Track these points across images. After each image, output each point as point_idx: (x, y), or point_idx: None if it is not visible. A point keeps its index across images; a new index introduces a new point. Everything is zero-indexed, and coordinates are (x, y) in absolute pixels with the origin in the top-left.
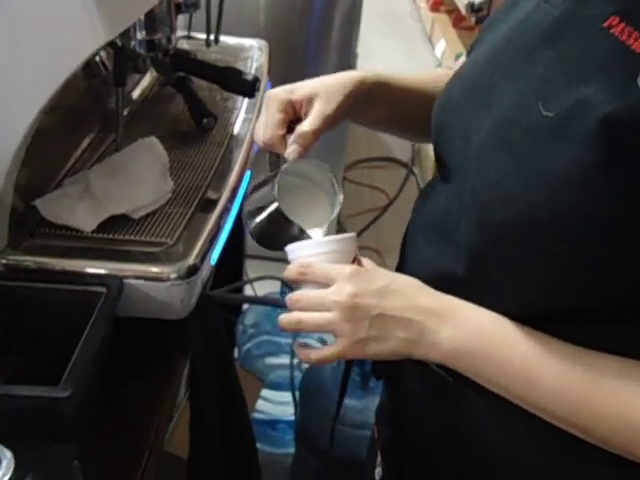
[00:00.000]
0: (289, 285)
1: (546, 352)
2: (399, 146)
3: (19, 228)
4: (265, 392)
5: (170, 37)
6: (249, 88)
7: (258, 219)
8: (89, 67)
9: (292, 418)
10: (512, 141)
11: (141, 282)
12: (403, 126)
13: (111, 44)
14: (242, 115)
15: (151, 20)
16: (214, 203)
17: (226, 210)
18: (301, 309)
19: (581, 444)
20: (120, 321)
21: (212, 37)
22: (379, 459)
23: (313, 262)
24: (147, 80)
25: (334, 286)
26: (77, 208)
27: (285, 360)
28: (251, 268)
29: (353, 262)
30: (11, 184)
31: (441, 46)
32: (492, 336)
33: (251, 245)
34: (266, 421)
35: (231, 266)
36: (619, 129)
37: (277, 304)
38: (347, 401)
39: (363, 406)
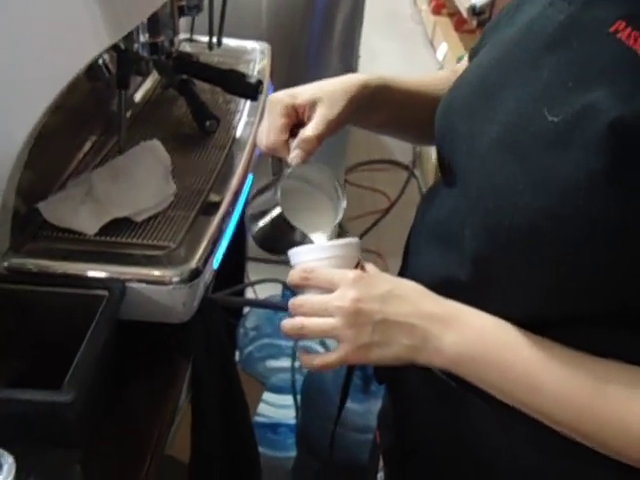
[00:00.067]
0: (291, 288)
1: (549, 357)
2: (400, 149)
3: (21, 231)
4: (266, 395)
5: (173, 40)
6: (252, 91)
7: (261, 223)
8: (92, 70)
9: (293, 422)
10: (517, 146)
11: (143, 285)
12: (405, 129)
13: (114, 47)
14: (245, 118)
15: (154, 23)
16: (216, 206)
17: (228, 213)
18: (304, 314)
19: (582, 448)
20: (122, 324)
21: (214, 40)
22: (381, 464)
23: (316, 267)
24: (149, 83)
25: (337, 291)
26: (80, 211)
27: (286, 363)
28: (252, 271)
29: (356, 267)
30: (14, 187)
31: (443, 49)
32: (495, 341)
33: (252, 248)
34: (267, 424)
35: (232, 269)
36: (626, 134)
37: (278, 307)
38: (349, 405)
39: (365, 410)
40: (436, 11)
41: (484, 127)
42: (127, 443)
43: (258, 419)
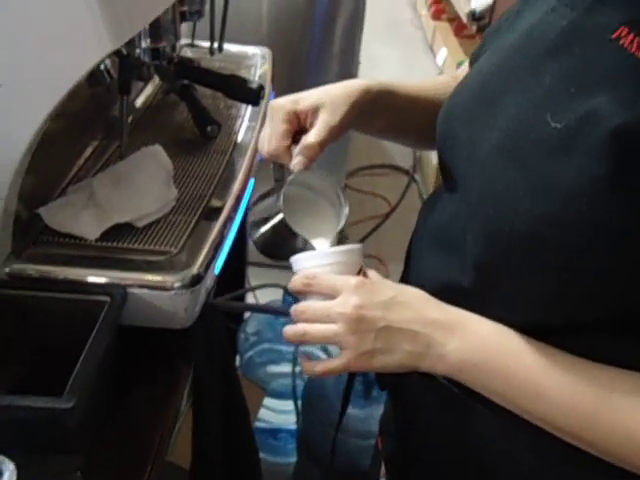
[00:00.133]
0: (293, 294)
1: (552, 364)
2: (401, 153)
3: (23, 236)
4: (267, 401)
5: (174, 45)
6: (254, 96)
7: (263, 229)
8: (93, 75)
9: (294, 427)
10: (519, 152)
11: (145, 291)
12: (406, 134)
13: (116, 52)
14: (246, 123)
15: (156, 28)
16: (218, 211)
17: (230, 218)
18: (306, 320)
19: (583, 455)
20: (124, 330)
21: (216, 45)
22: (383, 470)
23: (318, 273)
24: (150, 88)
25: (339, 298)
26: (81, 216)
27: (287, 368)
28: (253, 276)
29: (359, 273)
30: (15, 192)
31: (442, 54)
32: (498, 348)
33: (253, 252)
34: (268, 430)
35: (233, 274)
36: (628, 140)
37: (279, 312)
38: (350, 410)
39: (366, 415)
40: (436, 16)
41: (484, 133)
42: (128, 449)
43: (258, 424)
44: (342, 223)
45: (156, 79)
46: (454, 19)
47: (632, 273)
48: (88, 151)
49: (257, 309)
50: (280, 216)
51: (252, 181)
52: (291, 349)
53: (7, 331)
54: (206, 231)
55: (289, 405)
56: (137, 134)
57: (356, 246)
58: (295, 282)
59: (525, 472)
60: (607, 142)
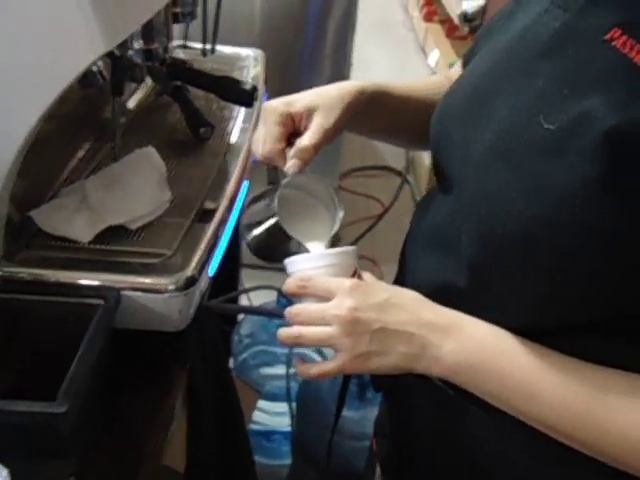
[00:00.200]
0: (287, 297)
1: (546, 366)
2: (393, 155)
3: (15, 239)
4: (261, 403)
5: (167, 46)
6: (247, 97)
7: (256, 232)
8: (86, 77)
9: (288, 429)
10: (512, 154)
11: (139, 294)
12: (399, 134)
13: (109, 54)
14: (239, 124)
15: (148, 30)
16: (212, 213)
17: (224, 221)
18: (301, 323)
19: (577, 455)
20: (117, 333)
21: (208, 46)
22: (378, 472)
23: (313, 275)
24: (143, 90)
25: (334, 300)
26: (74, 219)
27: (281, 370)
28: (247, 277)
29: (353, 275)
30: (7, 195)
31: (434, 56)
32: (493, 350)
33: (247, 254)
34: (262, 432)
35: (227, 276)
36: (621, 142)
37: (273, 314)
38: (344, 412)
39: (361, 417)
40: (428, 18)
41: (478, 134)
42: (122, 453)
43: (252, 427)
44: (337, 227)
45: (148, 81)
46: (446, 21)
47: (625, 275)
48: (81, 153)
49: (251, 311)
50: (274, 219)
51: (246, 183)
52: (285, 351)
53: (0, 335)
54: (200, 233)
55: (283, 407)
56: (130, 136)
57: (350, 248)
58: (289, 284)
59: (520, 473)
60: (600, 144)
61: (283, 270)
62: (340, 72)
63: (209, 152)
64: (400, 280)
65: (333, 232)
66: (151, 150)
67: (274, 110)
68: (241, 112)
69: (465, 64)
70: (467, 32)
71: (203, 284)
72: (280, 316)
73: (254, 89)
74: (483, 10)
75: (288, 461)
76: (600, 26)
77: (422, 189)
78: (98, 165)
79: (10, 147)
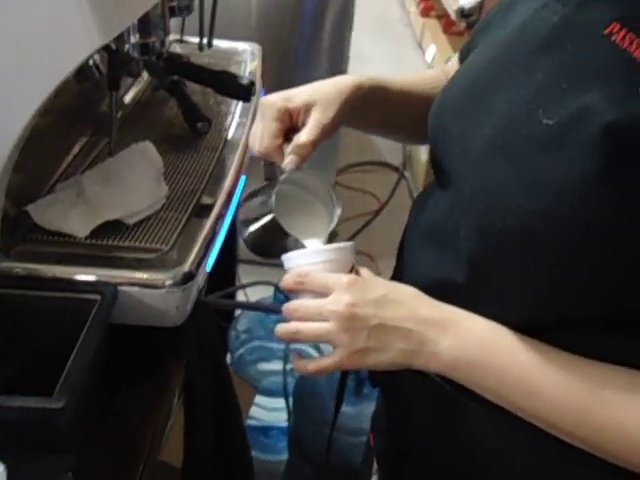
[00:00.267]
0: (284, 292)
1: (545, 361)
2: (390, 150)
3: (11, 234)
4: (258, 398)
5: (164, 41)
6: (245, 92)
7: (253, 228)
8: (82, 71)
9: (285, 425)
10: (511, 149)
11: (136, 289)
12: (395, 129)
13: (105, 48)
14: (236, 119)
15: (145, 23)
16: (209, 208)
17: (221, 216)
18: (299, 319)
19: (577, 452)
20: (114, 328)
21: (205, 41)
22: (375, 467)
23: (310, 271)
24: (140, 84)
25: (332, 296)
26: (70, 214)
27: (278, 366)
28: (244, 273)
29: (351, 271)
30: (3, 189)
31: (431, 51)
32: (491, 346)
33: (244, 250)
34: (259, 428)
35: (224, 271)
36: (621, 137)
37: (270, 310)
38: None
39: (357, 412)
40: (424, 13)
41: (476, 129)
42: (120, 449)
43: (249, 422)
44: (334, 223)
45: (145, 75)
46: (443, 16)
47: (624, 269)
48: (77, 148)
49: (248, 307)
50: (272, 215)
51: (243, 178)
52: (282, 347)
53: None
54: (197, 228)
55: (280, 403)
56: (126, 130)
57: (348, 244)
58: (287, 280)
59: (519, 469)
60: (599, 138)
61: (280, 266)
62: (337, 67)
63: (206, 147)
64: (398, 276)
65: (330, 228)
66: (148, 145)
67: (272, 105)
68: (238, 107)
69: (462, 58)
70: (464, 28)
71: (200, 279)
72: (277, 312)
73: (252, 84)
74: (480, 6)
75: (285, 456)
76: (599, 20)
77: (419, 185)
78: (94, 160)
79: (6, 141)
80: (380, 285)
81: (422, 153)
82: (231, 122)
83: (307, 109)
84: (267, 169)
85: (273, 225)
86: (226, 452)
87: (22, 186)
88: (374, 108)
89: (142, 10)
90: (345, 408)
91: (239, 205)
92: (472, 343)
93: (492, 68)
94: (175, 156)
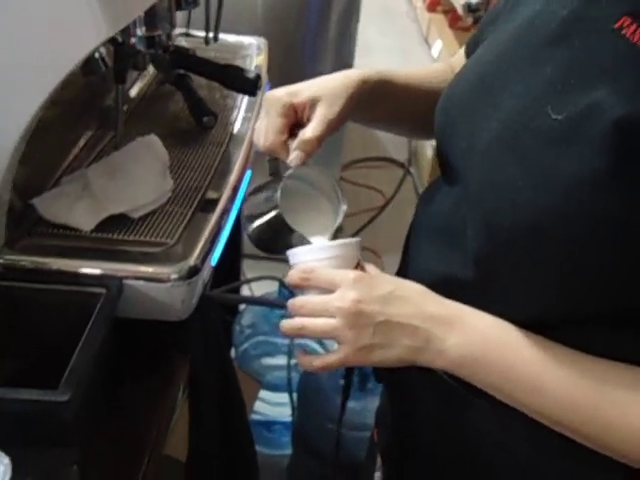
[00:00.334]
0: (289, 288)
1: (550, 358)
2: (396, 146)
3: (16, 227)
4: (262, 393)
5: (170, 34)
6: (251, 86)
7: (258, 223)
8: (88, 64)
9: (289, 419)
10: (519, 144)
11: (141, 283)
12: (400, 122)
13: (111, 40)
14: (242, 114)
15: (151, 16)
16: (214, 203)
17: (227, 210)
18: (304, 315)
19: (580, 448)
20: (119, 322)
21: (211, 34)
22: (379, 462)
23: (316, 267)
24: (145, 78)
25: (338, 292)
26: (76, 207)
27: (282, 361)
28: (248, 268)
29: (356, 267)
30: (9, 182)
31: (437, 46)
32: (497, 342)
33: (248, 245)
34: (262, 422)
35: (229, 266)
36: (631, 132)
37: (275, 305)
38: None
39: (362, 407)
40: (431, 8)
41: (483, 124)
42: (125, 442)
43: (253, 417)
44: (340, 219)
45: (151, 69)
46: (449, 11)
47: (634, 265)
48: (82, 141)
49: (252, 301)
50: (277, 211)
51: (249, 173)
52: (286, 342)
53: (1, 323)
54: (203, 223)
55: (284, 398)
56: (132, 124)
57: (354, 240)
58: (292, 276)
59: (522, 463)
60: (609, 134)
61: (285, 261)
62: (343, 62)
63: (212, 141)
64: (403, 272)
65: (336, 225)
66: (154, 139)
67: (277, 101)
68: (244, 101)
69: (469, 52)
70: (471, 23)
71: (206, 274)
72: (282, 306)
73: (258, 78)
74: (487, 1)
75: (289, 451)
76: (609, 14)
77: (424, 181)
78: (100, 153)
79: (12, 134)
80: (386, 281)
81: (428, 149)
82: (237, 116)
83: (312, 104)
84: (272, 165)
85: (278, 221)
86: (230, 446)
87: (28, 179)
88: (380, 102)
89: (149, 2)
90: (349, 403)
91: (244, 200)
92: (478, 340)
93: (499, 62)
94: (181, 150)
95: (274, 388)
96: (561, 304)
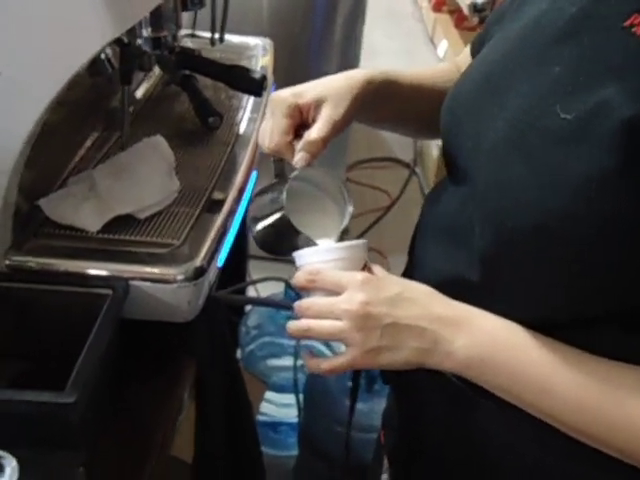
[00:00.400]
0: (296, 290)
1: (558, 359)
2: (401, 146)
3: (23, 228)
4: (268, 394)
5: (176, 35)
6: (257, 87)
7: (264, 225)
8: (94, 65)
9: (295, 420)
10: (526, 144)
11: (147, 284)
12: (405, 123)
13: (117, 41)
14: (248, 114)
15: (157, 17)
16: (220, 203)
17: (232, 211)
18: (311, 317)
19: (587, 450)
20: (125, 323)
21: (217, 35)
22: (386, 465)
23: (322, 269)
24: (151, 79)
25: (345, 294)
26: (82, 208)
27: (288, 362)
28: (254, 269)
29: (363, 269)
30: (15, 183)
31: (443, 46)
32: (505, 344)
33: (254, 245)
34: (269, 423)
35: (235, 267)
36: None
37: (281, 306)
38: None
39: (369, 409)
40: (436, 8)
41: (489, 123)
42: (131, 444)
43: (259, 418)
44: (346, 221)
45: (156, 70)
46: (455, 11)
47: None
48: (89, 142)
49: (259, 302)
50: (282, 213)
51: (255, 173)
52: (292, 343)
53: (7, 325)
54: (209, 223)
55: (290, 399)
56: (138, 125)
57: (360, 242)
58: (299, 278)
59: (529, 464)
60: (618, 132)
61: (291, 261)
62: (349, 62)
63: (218, 142)
64: (409, 272)
65: (342, 227)
66: (159, 139)
67: (282, 102)
68: (250, 102)
69: (475, 51)
70: (477, 23)
71: (212, 275)
72: (288, 307)
73: (264, 78)
74: (493, 0)
75: (295, 452)
76: (619, 12)
77: (430, 181)
78: (106, 154)
79: (18, 137)
80: (394, 283)
81: (433, 148)
82: (242, 117)
83: (318, 105)
84: (276, 166)
85: (284, 223)
86: (236, 447)
87: (34, 180)
88: (385, 102)
89: (155, 3)
90: (356, 404)
91: (250, 200)
92: (486, 341)
93: (506, 61)
94: (186, 151)
95: (280, 389)
96: (568, 304)
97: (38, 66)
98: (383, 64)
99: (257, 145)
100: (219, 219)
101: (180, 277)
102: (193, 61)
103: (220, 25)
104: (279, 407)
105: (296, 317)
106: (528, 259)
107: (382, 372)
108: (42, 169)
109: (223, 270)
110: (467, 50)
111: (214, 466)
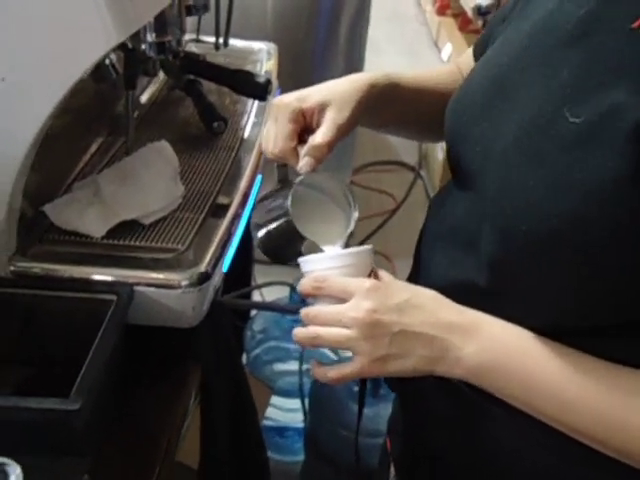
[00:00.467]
0: (302, 297)
1: (569, 365)
2: (406, 150)
3: (28, 234)
4: (274, 399)
5: (180, 40)
6: (261, 91)
7: (268, 231)
8: (99, 70)
9: (301, 425)
10: (537, 148)
11: (152, 290)
12: (408, 125)
13: (122, 47)
14: (252, 119)
15: (161, 22)
16: (225, 208)
17: (237, 216)
18: (318, 325)
19: (599, 456)
20: (130, 329)
21: (221, 40)
22: (392, 471)
23: (329, 276)
24: (156, 84)
25: (352, 301)
26: (87, 213)
27: (294, 366)
28: (259, 273)
29: (370, 275)
30: (20, 189)
31: (447, 50)
32: (515, 350)
33: (259, 250)
34: (274, 428)
35: (240, 271)
36: None
37: (287, 310)
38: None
39: (374, 414)
40: (440, 12)
41: (498, 128)
42: (136, 450)
43: (265, 423)
44: (352, 226)
45: (161, 75)
46: (459, 14)
47: None
48: (93, 147)
49: (264, 307)
50: (287, 218)
51: (259, 178)
52: (298, 347)
53: (12, 330)
54: (213, 228)
55: (296, 403)
56: (143, 130)
57: (367, 248)
58: (304, 285)
59: (539, 471)
60: (629, 137)
61: (296, 266)
62: (353, 67)
63: (222, 147)
64: (415, 276)
65: (348, 232)
66: (164, 144)
67: (286, 107)
68: (254, 106)
69: (478, 53)
70: (481, 26)
71: (217, 280)
72: (293, 312)
73: (268, 82)
74: (497, 3)
75: (301, 457)
76: (627, 14)
77: (435, 184)
78: (111, 159)
79: (23, 141)
80: (401, 290)
81: (438, 152)
82: (247, 122)
83: (322, 109)
84: (280, 171)
85: (289, 228)
86: (242, 453)
87: (39, 186)
88: (388, 106)
89: (158, 8)
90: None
91: (255, 205)
92: (495, 348)
93: (513, 64)
94: (191, 156)
95: (286, 394)
96: (578, 309)
97: (42, 71)
98: (387, 68)
99: (262, 149)
100: (224, 224)
101: (185, 282)
102: (197, 66)
103: (224, 30)
104: (285, 412)
105: (303, 324)
106: (537, 263)
107: (387, 379)
108: (47, 174)
109: (228, 275)
110: (469, 52)
111: (220, 472)
